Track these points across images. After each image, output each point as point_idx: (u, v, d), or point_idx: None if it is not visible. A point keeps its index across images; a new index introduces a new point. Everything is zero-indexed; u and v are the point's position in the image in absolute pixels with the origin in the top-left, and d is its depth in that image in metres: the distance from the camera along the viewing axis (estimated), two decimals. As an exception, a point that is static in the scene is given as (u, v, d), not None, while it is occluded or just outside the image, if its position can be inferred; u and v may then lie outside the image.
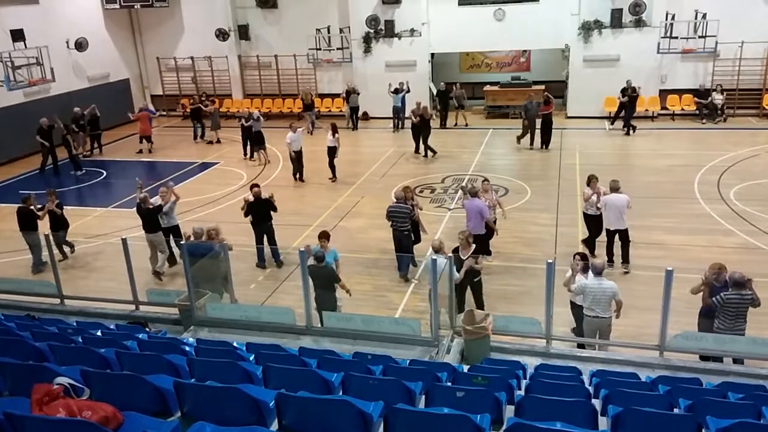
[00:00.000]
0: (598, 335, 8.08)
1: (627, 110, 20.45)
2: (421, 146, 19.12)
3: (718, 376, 6.50)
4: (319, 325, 7.91)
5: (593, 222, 11.59)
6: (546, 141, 19.19)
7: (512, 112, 23.59)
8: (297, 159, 17.04)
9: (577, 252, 9.15)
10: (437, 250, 8.75)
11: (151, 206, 11.80)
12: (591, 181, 11.40)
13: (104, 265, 12.27)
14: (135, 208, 12.22)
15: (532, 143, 19.30)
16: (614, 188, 11.03)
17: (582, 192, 11.39)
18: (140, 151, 21.31)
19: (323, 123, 20.76)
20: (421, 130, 19.02)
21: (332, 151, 16.88)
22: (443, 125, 22.56)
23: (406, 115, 21.82)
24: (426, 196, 15.69)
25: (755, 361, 7.09)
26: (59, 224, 12.36)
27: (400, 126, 22.71)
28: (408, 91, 22.28)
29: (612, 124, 21.25)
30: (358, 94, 23.19)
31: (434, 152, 19.06)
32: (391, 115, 22.72)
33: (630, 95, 20.23)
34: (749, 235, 12.30)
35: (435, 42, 23.66)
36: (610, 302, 7.85)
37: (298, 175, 17.24)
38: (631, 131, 20.46)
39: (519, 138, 19.66)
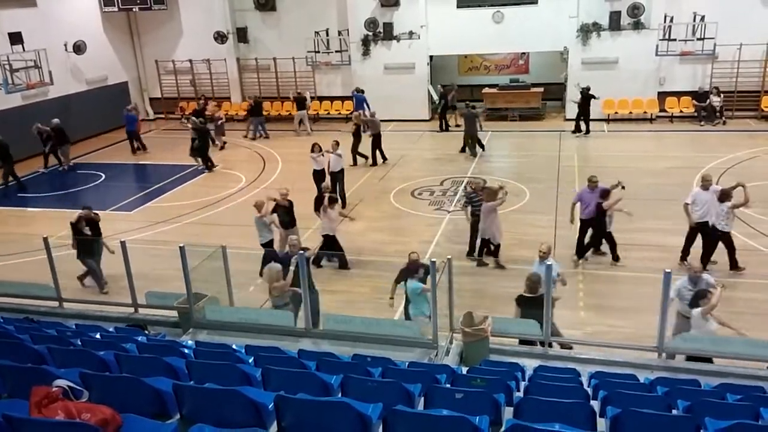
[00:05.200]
0: None
1: (584, 110, 20.61)
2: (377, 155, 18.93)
3: (717, 377, 6.50)
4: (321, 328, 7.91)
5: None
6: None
7: (511, 114, 23.62)
8: (332, 182, 14.73)
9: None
10: (547, 253, 8.97)
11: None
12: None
13: (103, 269, 12.24)
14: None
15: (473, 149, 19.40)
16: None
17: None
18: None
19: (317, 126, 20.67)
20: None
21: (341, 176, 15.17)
22: (446, 128, 22.61)
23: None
24: (425, 199, 15.71)
25: (754, 363, 7.08)
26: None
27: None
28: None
29: (574, 132, 21.06)
30: (306, 98, 23.29)
31: (366, 157, 18.88)
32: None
33: (585, 95, 20.39)
34: (748, 237, 12.32)
35: (434, 44, 23.66)
36: None
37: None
38: (585, 131, 20.75)
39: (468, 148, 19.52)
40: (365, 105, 21.89)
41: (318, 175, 14.89)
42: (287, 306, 8.52)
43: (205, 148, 19.25)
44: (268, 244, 11.46)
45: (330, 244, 11.88)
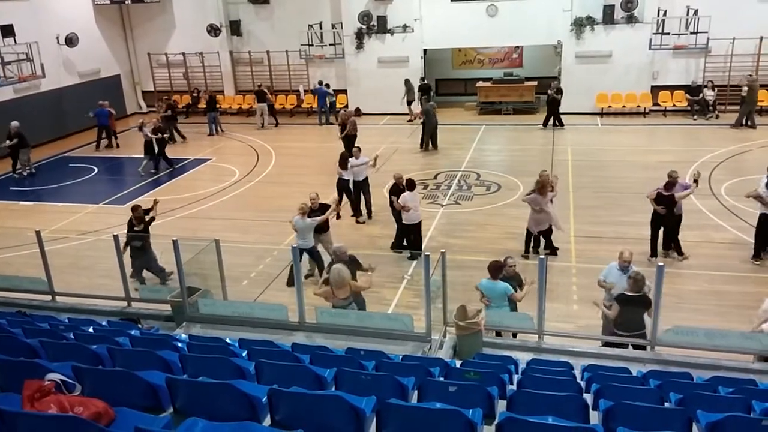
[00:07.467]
0: None
1: (553, 109, 20.87)
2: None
3: (709, 370, 6.54)
4: (314, 321, 7.89)
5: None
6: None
7: (505, 108, 23.63)
8: (356, 191, 14.05)
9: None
10: (630, 260, 8.39)
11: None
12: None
13: (96, 262, 12.21)
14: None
15: (428, 145, 19.46)
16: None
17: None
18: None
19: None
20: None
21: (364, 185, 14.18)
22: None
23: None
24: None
25: (746, 356, 7.12)
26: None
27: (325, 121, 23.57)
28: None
29: (545, 126, 21.18)
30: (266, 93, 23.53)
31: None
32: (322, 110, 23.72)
33: (553, 96, 20.66)
34: (740, 230, 12.37)
35: (427, 38, 23.62)
36: None
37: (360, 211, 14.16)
38: (558, 124, 20.98)
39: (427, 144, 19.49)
40: (327, 98, 22.95)
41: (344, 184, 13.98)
42: (350, 306, 8.10)
43: (163, 148, 18.65)
44: (311, 249, 10.86)
45: (412, 234, 11.92)
